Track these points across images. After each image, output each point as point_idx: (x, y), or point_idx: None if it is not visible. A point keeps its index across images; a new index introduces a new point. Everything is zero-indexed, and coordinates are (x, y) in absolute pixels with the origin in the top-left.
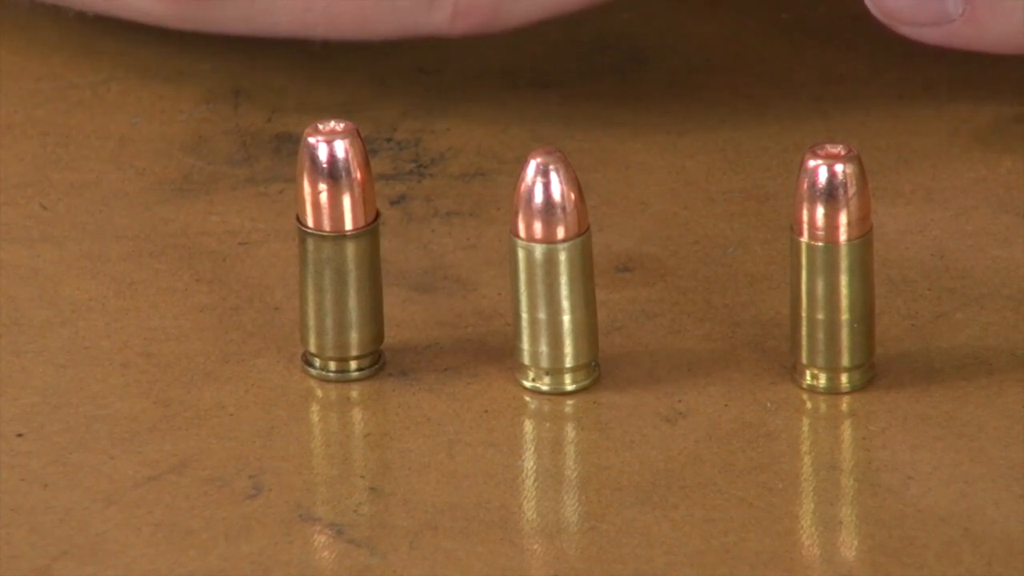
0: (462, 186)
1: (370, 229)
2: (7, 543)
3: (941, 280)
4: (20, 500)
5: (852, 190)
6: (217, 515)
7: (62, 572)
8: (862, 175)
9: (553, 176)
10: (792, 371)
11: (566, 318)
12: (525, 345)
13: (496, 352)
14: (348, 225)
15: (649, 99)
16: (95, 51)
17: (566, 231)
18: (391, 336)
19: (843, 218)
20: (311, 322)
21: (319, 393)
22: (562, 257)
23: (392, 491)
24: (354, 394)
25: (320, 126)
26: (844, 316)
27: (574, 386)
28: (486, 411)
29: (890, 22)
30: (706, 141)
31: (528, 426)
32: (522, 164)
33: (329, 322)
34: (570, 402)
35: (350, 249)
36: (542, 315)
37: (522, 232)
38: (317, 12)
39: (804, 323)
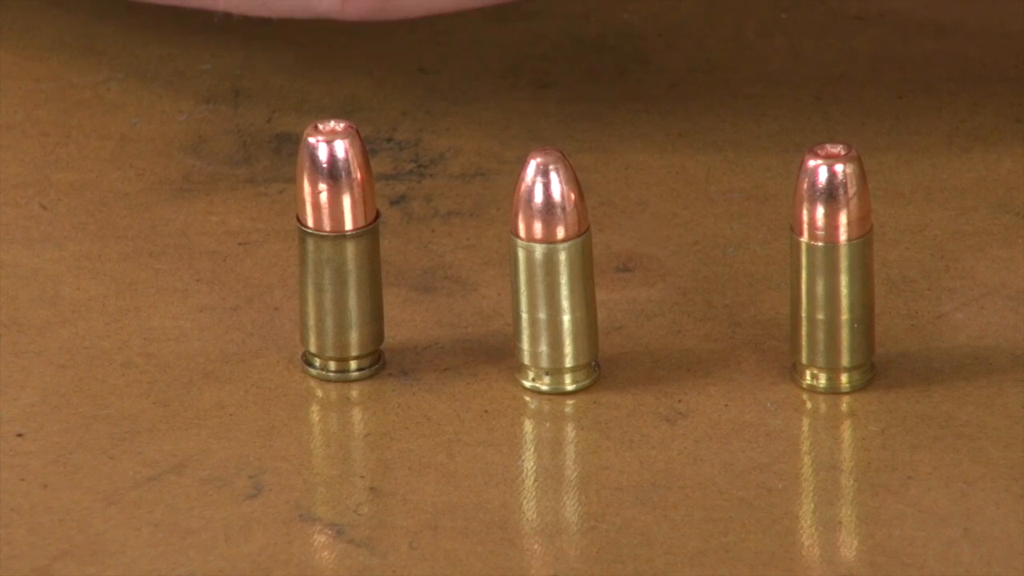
0: (462, 186)
1: (370, 229)
2: (7, 543)
3: (941, 280)
4: (20, 500)
5: (852, 190)
6: (217, 515)
7: (62, 572)
8: (862, 175)
9: (553, 176)
10: (792, 371)
11: (566, 318)
12: (525, 345)
13: (496, 352)
14: (348, 225)
15: (649, 99)
16: (95, 51)
17: (566, 231)
18: (391, 336)
19: (843, 218)
20: (311, 322)
21: (319, 393)
22: (562, 257)
23: (392, 491)
24: (354, 394)
25: (320, 126)
26: (844, 316)
27: (574, 386)
28: (486, 411)
29: None
30: (706, 141)
31: (528, 426)
32: (522, 164)
33: (329, 322)
34: (570, 402)
35: (350, 249)
36: (542, 315)
37: (522, 232)
38: None
39: (804, 323)
